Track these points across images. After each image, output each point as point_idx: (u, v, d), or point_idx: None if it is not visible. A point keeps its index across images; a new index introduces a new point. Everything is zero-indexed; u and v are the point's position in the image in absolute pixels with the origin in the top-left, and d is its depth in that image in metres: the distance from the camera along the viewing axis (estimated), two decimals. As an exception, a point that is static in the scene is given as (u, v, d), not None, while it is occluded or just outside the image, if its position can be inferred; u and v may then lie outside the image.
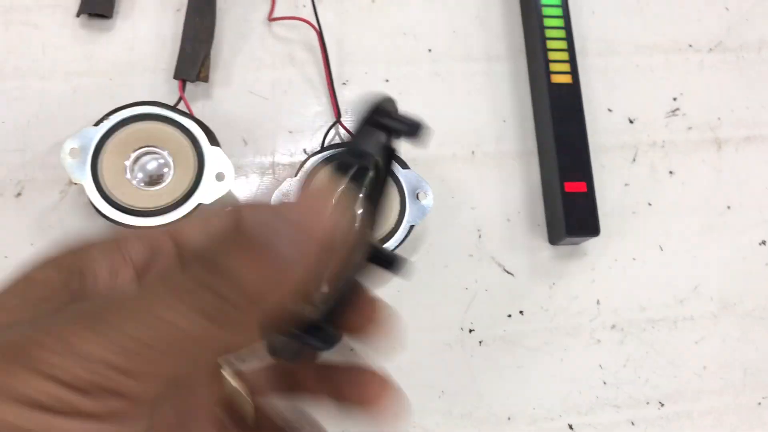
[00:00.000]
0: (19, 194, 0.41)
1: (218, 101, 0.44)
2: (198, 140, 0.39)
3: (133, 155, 0.39)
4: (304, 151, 0.44)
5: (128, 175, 0.38)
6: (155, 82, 0.43)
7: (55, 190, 0.41)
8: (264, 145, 0.43)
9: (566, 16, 0.46)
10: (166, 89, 0.43)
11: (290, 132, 0.44)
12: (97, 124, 0.38)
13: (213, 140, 0.39)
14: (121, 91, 0.43)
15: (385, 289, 0.41)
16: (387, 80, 0.46)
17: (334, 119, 0.43)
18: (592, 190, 0.43)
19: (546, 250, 0.44)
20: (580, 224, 0.42)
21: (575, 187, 0.43)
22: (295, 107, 0.44)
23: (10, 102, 0.42)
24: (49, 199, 0.41)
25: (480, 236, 0.43)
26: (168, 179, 0.39)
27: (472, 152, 0.45)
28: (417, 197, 0.39)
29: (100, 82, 0.43)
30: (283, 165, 0.43)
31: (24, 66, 0.43)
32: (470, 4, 0.48)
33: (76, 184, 0.37)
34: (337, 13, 0.46)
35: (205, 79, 0.42)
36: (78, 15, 0.44)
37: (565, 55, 0.45)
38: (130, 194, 0.38)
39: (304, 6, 0.46)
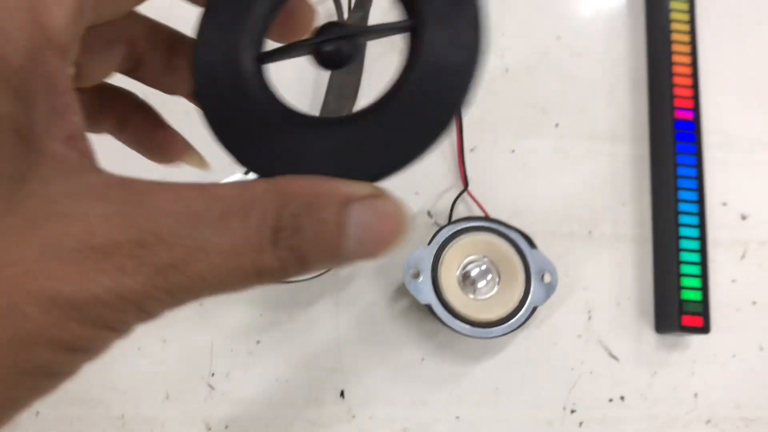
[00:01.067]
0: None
1: (350, 154, 0.44)
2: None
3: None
4: (428, 213, 0.44)
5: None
6: (292, 129, 0.44)
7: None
8: (390, 203, 0.44)
9: (696, 109, 0.47)
10: (302, 137, 0.44)
11: (416, 193, 0.45)
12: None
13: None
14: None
15: (495, 360, 0.42)
16: (513, 151, 0.46)
17: (462, 187, 0.44)
18: (706, 288, 0.43)
19: (651, 338, 0.45)
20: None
21: (691, 282, 0.43)
22: (423, 169, 0.45)
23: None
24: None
25: (590, 318, 0.44)
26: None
27: (590, 232, 0.46)
28: (542, 278, 0.40)
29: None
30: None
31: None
32: (600, 83, 0.49)
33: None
34: (470, 78, 0.47)
35: (345, 135, 0.43)
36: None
37: (692, 148, 0.46)
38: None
39: (440, 68, 0.47)
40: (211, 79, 0.21)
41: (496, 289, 0.40)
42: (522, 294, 0.40)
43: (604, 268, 0.45)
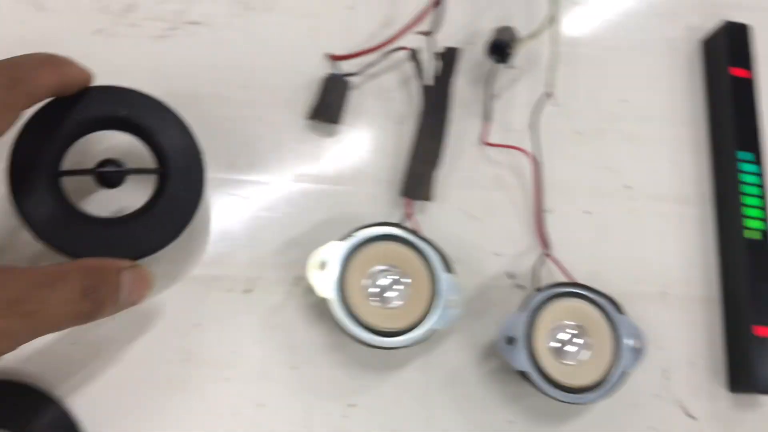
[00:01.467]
0: (248, 291, 0.42)
1: (432, 217, 0.45)
2: (434, 266, 0.40)
3: (372, 274, 0.40)
4: (508, 275, 0.45)
5: (367, 294, 0.40)
6: (376, 193, 0.45)
7: (281, 290, 0.42)
8: (472, 265, 0.45)
9: (761, 169, 0.48)
10: (386, 200, 0.45)
11: (496, 254, 0.46)
12: (342, 239, 0.40)
13: (447, 266, 0.41)
14: (345, 198, 0.45)
15: (579, 423, 0.43)
16: (588, 212, 0.48)
17: (540, 248, 0.45)
18: (779, 346, 0.45)
19: (725, 397, 0.46)
20: (769, 381, 0.44)
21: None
22: (502, 230, 0.46)
23: (243, 198, 0.44)
24: (275, 297, 0.42)
25: (667, 378, 0.45)
26: (401, 301, 0.40)
27: (662, 293, 0.47)
28: (631, 343, 0.41)
29: (324, 187, 0.45)
30: (491, 287, 0.45)
31: (256, 161, 0.44)
32: (665, 145, 0.50)
33: (322, 297, 0.39)
34: (544, 142, 0.48)
35: (429, 199, 0.44)
36: (309, 119, 0.45)
37: (760, 213, 0.47)
38: (369, 312, 0.39)
39: (515, 131, 0.48)
40: (23, 188, 0.35)
41: (586, 354, 0.41)
42: (612, 359, 0.41)
43: (677, 327, 0.46)
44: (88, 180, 0.38)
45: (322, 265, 0.39)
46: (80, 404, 0.38)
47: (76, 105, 0.37)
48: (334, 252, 0.40)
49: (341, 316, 0.39)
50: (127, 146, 0.40)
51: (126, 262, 0.33)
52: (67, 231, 0.35)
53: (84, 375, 0.39)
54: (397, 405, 0.42)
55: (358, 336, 0.39)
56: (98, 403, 0.39)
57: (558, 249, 0.46)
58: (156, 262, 0.40)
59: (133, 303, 0.34)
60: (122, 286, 0.32)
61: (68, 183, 0.37)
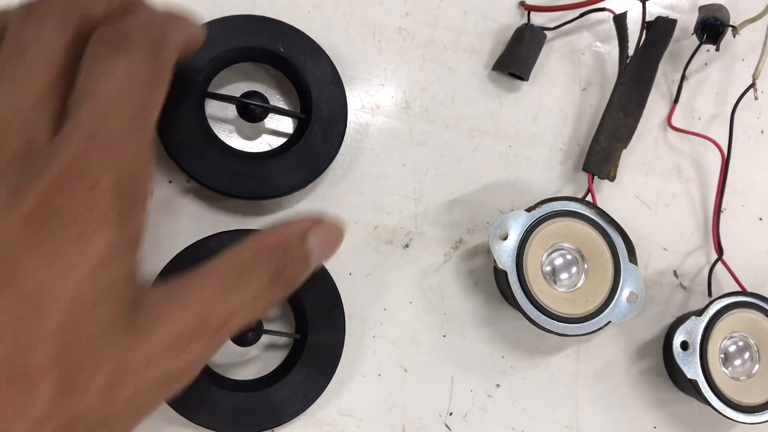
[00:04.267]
0: (406, 246, 0.39)
1: (603, 197, 0.42)
2: (620, 253, 0.37)
3: (550, 250, 0.37)
4: (674, 273, 0.42)
5: (544, 271, 0.37)
6: (552, 161, 0.42)
7: (440, 251, 0.39)
8: (638, 256, 0.42)
9: None
10: (561, 171, 0.41)
11: (664, 249, 0.42)
12: (529, 210, 0.37)
13: (632, 256, 0.37)
14: (518, 162, 0.41)
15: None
16: (760, 219, 0.44)
17: (711, 249, 0.42)
18: None
19: None
20: None
21: None
22: (673, 224, 0.43)
23: (414, 146, 0.40)
24: (433, 258, 0.39)
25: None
26: (577, 285, 0.37)
27: (825, 317, 0.44)
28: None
29: (499, 146, 0.41)
30: (654, 282, 0.42)
31: (432, 109, 0.41)
32: None
33: (497, 268, 0.36)
34: (725, 137, 0.44)
35: (612, 179, 0.40)
36: (493, 69, 0.41)
37: None
38: (544, 292, 0.36)
39: (699, 119, 0.44)
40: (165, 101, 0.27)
41: (756, 367, 0.38)
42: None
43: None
44: (227, 111, 0.36)
45: (504, 235, 0.36)
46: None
47: (235, 31, 0.35)
48: (518, 222, 0.36)
49: (517, 291, 0.36)
50: (273, 83, 0.38)
51: (309, 221, 0.27)
52: (200, 154, 0.33)
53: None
54: (543, 392, 0.39)
55: (532, 315, 0.36)
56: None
57: (725, 253, 0.42)
58: (316, 201, 0.37)
59: (326, 259, 0.28)
60: (311, 254, 0.26)
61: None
